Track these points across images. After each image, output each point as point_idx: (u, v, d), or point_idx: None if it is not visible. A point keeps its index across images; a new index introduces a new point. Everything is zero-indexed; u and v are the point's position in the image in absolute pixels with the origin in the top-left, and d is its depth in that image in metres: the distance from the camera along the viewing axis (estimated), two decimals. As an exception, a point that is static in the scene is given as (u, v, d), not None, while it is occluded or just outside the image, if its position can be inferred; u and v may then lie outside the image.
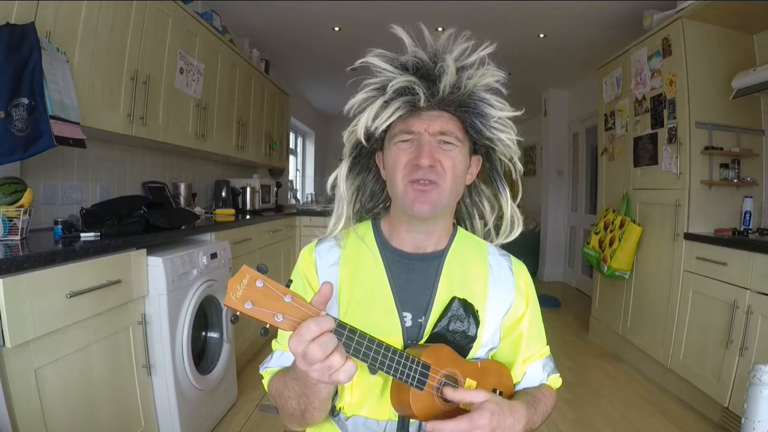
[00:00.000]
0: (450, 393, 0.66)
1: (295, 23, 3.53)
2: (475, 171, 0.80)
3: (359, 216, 0.86)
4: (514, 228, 0.82)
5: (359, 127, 0.72)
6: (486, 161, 0.82)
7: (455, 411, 0.67)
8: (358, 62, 0.73)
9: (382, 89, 0.71)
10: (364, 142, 0.74)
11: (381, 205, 0.87)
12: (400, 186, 0.72)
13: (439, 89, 0.69)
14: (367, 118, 0.70)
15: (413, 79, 0.69)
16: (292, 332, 0.57)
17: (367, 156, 0.82)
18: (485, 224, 0.86)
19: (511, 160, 0.78)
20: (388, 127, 0.73)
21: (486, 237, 0.86)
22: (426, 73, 0.70)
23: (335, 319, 0.59)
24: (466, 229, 0.87)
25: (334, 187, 0.80)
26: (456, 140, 0.72)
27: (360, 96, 0.73)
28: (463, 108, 0.72)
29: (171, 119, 2.28)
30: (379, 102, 0.70)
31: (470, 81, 0.70)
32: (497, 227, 0.85)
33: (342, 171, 0.79)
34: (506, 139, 0.75)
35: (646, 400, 2.36)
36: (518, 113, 0.75)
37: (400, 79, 0.69)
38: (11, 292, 1.04)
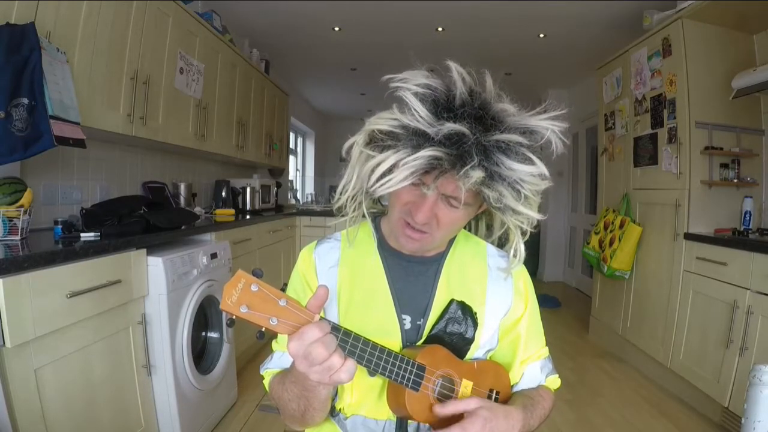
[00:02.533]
0: (440, 409, 0.65)
1: (295, 23, 3.53)
2: (481, 210, 0.75)
3: (364, 196, 0.79)
4: (516, 259, 0.74)
5: (365, 170, 0.66)
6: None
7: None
8: (394, 86, 0.64)
9: (408, 132, 0.62)
10: (353, 188, 0.70)
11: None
12: (395, 217, 0.70)
13: (460, 173, 0.60)
14: (375, 172, 0.63)
15: (441, 155, 0.59)
16: (287, 335, 0.57)
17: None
18: (491, 234, 0.82)
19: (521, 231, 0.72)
20: None
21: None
22: (458, 144, 0.60)
23: (329, 322, 0.60)
24: (470, 229, 0.86)
25: (349, 153, 0.72)
26: (465, 206, 0.66)
27: (384, 125, 0.64)
28: (486, 183, 0.62)
29: (171, 119, 2.28)
30: (395, 158, 0.62)
31: (500, 176, 0.61)
32: (499, 244, 0.82)
33: (360, 140, 0.70)
34: (518, 223, 0.69)
35: (646, 400, 2.36)
36: (540, 217, 0.67)
37: (426, 153, 0.59)
38: (11, 292, 1.04)
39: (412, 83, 0.64)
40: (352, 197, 0.74)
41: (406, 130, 0.62)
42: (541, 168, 0.63)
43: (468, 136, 0.59)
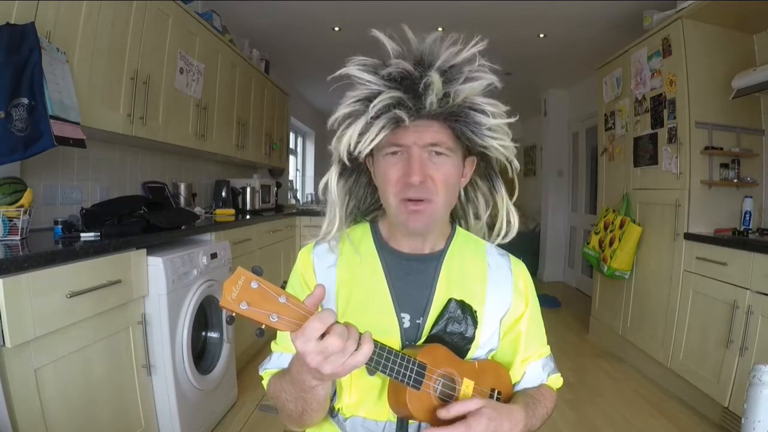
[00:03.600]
0: (444, 413, 0.65)
1: (295, 23, 3.53)
2: (469, 172, 0.78)
3: (353, 217, 0.84)
4: (511, 228, 0.79)
5: (342, 146, 0.69)
6: (481, 160, 0.80)
7: None
8: (338, 72, 0.69)
9: (365, 101, 0.67)
10: (347, 162, 0.71)
11: (374, 205, 0.85)
12: (393, 203, 0.71)
13: (425, 104, 0.65)
14: (350, 137, 0.67)
15: (398, 95, 0.65)
16: (288, 332, 0.57)
17: (356, 162, 0.79)
18: (479, 221, 0.84)
19: (507, 160, 0.75)
20: None
21: (482, 236, 0.86)
22: (411, 85, 0.65)
23: (334, 312, 0.59)
24: (461, 226, 0.87)
25: (326, 191, 0.77)
26: (447, 150, 0.69)
27: (343, 110, 0.69)
28: (454, 117, 0.67)
29: (171, 119, 2.28)
30: (362, 121, 0.66)
31: (459, 90, 0.65)
32: (491, 226, 0.83)
33: (332, 175, 0.76)
34: (500, 146, 0.71)
35: (646, 400, 2.36)
36: (512, 120, 0.70)
37: (384, 97, 0.64)
38: (11, 292, 1.04)
39: (351, 65, 0.69)
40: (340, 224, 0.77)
41: (363, 101, 0.67)
42: (489, 77, 0.68)
43: (412, 71, 0.66)
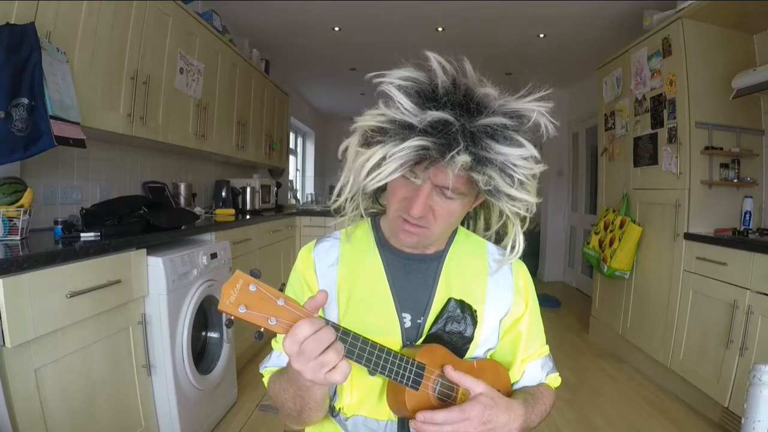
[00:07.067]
0: (450, 372, 0.66)
1: (295, 23, 3.53)
2: (479, 201, 0.75)
3: (368, 195, 0.81)
4: (515, 251, 0.75)
5: (363, 171, 0.65)
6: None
7: None
8: (380, 81, 0.65)
9: (396, 126, 0.62)
10: (350, 189, 0.70)
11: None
12: (391, 215, 0.71)
13: (449, 162, 0.60)
14: (369, 165, 0.63)
15: (427, 144, 0.60)
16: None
17: None
18: (488, 228, 0.83)
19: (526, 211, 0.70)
20: None
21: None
22: (445, 133, 0.60)
23: (328, 321, 0.60)
24: (468, 227, 0.86)
25: (344, 155, 0.72)
26: (459, 195, 0.67)
27: (370, 122, 0.65)
28: (477, 170, 0.61)
29: (171, 119, 2.28)
30: (383, 151, 0.62)
31: (491, 162, 0.61)
32: (498, 239, 0.82)
33: (353, 141, 0.70)
34: (517, 211, 0.68)
35: (646, 400, 2.36)
36: (535, 200, 0.67)
37: (413, 143, 0.60)
38: (11, 292, 1.04)
39: (394, 77, 0.64)
40: (351, 198, 0.75)
41: (393, 123, 0.63)
42: (530, 150, 0.63)
43: (453, 123, 0.60)
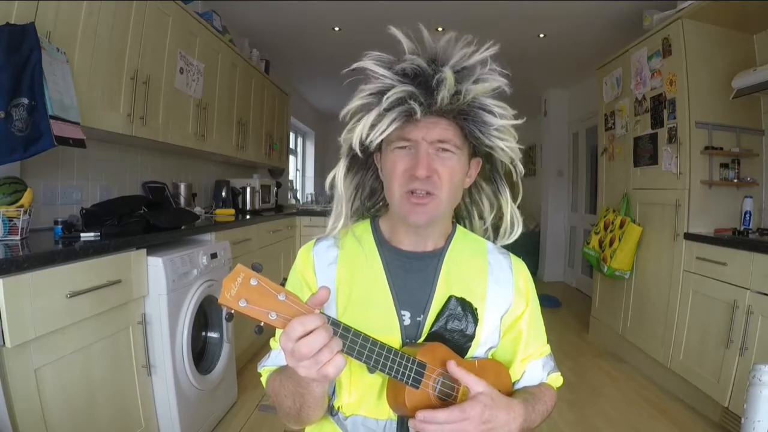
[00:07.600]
0: (453, 367, 0.67)
1: (295, 23, 3.53)
2: (474, 173, 0.79)
3: (359, 214, 0.85)
4: (514, 229, 0.81)
5: (354, 137, 0.70)
6: (486, 162, 0.81)
7: None
8: (354, 65, 0.71)
9: (378, 95, 0.69)
10: (359, 152, 0.72)
11: (381, 203, 0.86)
12: (397, 195, 0.72)
13: (437, 100, 0.67)
14: (363, 128, 0.69)
15: (410, 89, 0.67)
16: None
17: (365, 155, 0.80)
18: (484, 223, 0.86)
19: (512, 162, 0.77)
20: None
21: (485, 236, 0.86)
22: (424, 81, 0.67)
23: (328, 317, 0.59)
24: (465, 227, 0.87)
25: (332, 186, 0.79)
26: (454, 147, 0.71)
27: (356, 102, 0.71)
28: (462, 115, 0.70)
29: (171, 119, 2.28)
30: (374, 112, 0.68)
31: (470, 89, 0.68)
32: (496, 228, 0.84)
33: (340, 170, 0.78)
34: (506, 147, 0.73)
35: (646, 400, 2.36)
36: (519, 122, 0.73)
37: (397, 90, 0.67)
38: (11, 292, 1.04)
39: (367, 58, 0.70)
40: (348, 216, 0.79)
41: (374, 95, 0.69)
42: (499, 80, 0.70)
43: (426, 68, 0.67)
